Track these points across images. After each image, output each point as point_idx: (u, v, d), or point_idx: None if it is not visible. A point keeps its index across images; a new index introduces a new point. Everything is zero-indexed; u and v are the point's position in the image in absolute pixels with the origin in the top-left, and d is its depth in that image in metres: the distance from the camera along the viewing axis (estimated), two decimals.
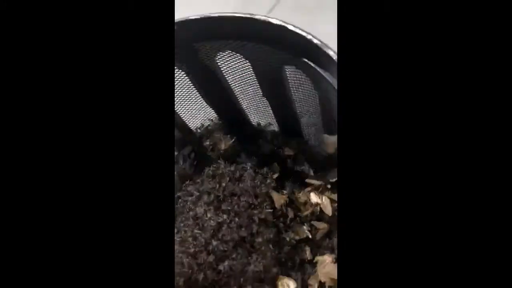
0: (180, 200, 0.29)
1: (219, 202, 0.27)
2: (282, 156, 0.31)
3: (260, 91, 0.30)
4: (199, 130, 0.36)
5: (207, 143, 0.35)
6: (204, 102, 0.32)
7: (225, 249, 0.23)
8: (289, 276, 0.24)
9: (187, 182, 0.30)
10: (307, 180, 0.29)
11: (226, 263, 0.23)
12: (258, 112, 0.33)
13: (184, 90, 0.29)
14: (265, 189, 0.28)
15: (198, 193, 0.28)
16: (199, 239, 0.24)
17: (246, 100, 0.32)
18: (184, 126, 0.32)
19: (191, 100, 0.31)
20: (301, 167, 0.31)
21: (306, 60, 0.22)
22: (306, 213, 0.27)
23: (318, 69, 0.20)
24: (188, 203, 0.28)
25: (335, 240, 0.26)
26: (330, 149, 0.27)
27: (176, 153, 0.33)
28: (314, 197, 0.27)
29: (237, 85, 0.30)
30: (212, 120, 0.36)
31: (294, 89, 0.27)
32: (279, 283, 0.23)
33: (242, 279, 0.23)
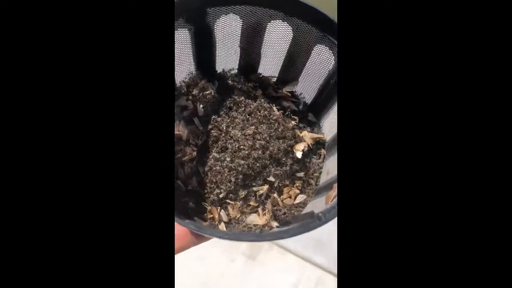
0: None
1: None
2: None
3: (238, 41, 0.36)
4: (183, 82, 0.37)
5: (194, 91, 0.36)
6: (182, 58, 0.37)
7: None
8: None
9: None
10: None
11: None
12: (226, 60, 0.40)
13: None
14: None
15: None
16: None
17: (221, 51, 0.38)
18: None
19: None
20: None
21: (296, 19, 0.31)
22: None
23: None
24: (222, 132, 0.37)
25: None
26: None
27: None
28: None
29: (220, 38, 0.36)
30: (192, 72, 0.37)
31: (267, 36, 0.35)
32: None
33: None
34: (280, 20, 0.33)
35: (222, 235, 0.22)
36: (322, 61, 0.35)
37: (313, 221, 0.23)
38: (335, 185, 0.29)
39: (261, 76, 0.41)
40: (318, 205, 0.32)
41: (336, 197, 0.27)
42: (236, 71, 0.41)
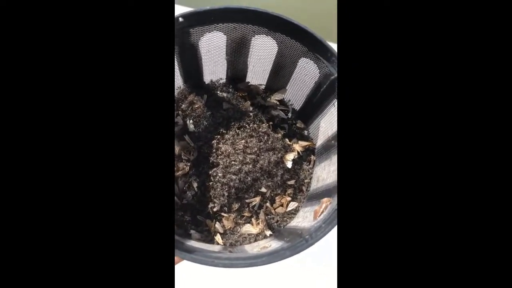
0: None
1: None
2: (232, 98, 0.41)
3: (224, 54, 0.37)
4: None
5: (183, 106, 0.37)
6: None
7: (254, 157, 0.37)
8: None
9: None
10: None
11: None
12: (214, 72, 0.40)
13: None
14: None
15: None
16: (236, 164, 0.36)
17: (208, 63, 0.38)
18: None
19: None
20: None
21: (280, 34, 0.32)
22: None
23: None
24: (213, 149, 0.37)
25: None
26: None
27: None
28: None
29: (206, 53, 0.36)
30: (179, 86, 0.38)
31: (252, 48, 0.36)
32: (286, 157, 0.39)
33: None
34: (264, 35, 0.33)
35: (215, 264, 0.23)
36: (308, 72, 0.35)
37: (301, 243, 0.24)
38: (323, 200, 0.30)
39: (249, 84, 0.42)
40: (308, 215, 0.33)
41: (324, 213, 0.28)
42: (224, 80, 0.41)
